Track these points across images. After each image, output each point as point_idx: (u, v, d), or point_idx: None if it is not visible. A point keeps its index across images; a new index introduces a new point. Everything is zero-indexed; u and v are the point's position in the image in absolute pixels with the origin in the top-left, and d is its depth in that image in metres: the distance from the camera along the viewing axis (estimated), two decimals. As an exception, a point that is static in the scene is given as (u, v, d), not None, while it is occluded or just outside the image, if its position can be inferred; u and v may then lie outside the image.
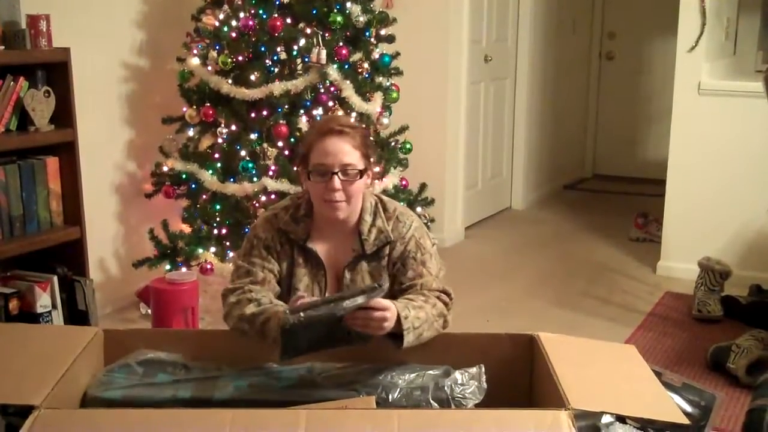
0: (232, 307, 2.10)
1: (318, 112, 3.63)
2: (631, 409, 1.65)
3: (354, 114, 3.69)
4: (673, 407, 1.75)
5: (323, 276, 2.20)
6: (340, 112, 3.62)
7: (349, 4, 3.70)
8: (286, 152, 3.66)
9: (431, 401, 1.80)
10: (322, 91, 3.64)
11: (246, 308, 2.06)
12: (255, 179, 3.63)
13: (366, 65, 3.78)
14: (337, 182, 2.11)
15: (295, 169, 3.32)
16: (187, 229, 3.88)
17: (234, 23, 3.65)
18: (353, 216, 2.21)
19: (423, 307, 2.04)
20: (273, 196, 3.55)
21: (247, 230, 3.66)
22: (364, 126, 3.40)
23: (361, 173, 2.15)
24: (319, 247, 2.21)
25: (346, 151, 2.12)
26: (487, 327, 3.19)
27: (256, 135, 3.68)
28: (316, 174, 2.12)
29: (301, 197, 2.26)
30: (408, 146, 3.99)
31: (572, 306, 4.21)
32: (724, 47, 4.91)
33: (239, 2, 3.68)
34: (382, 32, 3.85)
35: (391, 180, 3.83)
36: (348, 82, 3.64)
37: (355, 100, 3.64)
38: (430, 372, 1.88)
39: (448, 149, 5.19)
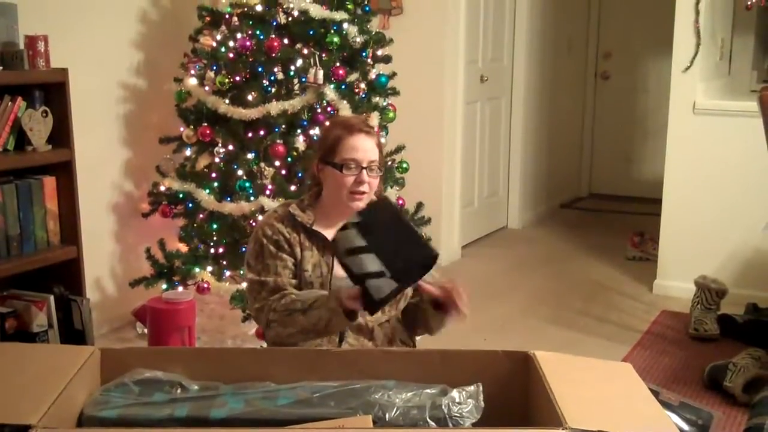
0: (277, 328, 2.26)
1: (315, 132, 3.65)
2: (628, 428, 1.65)
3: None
4: (671, 426, 1.74)
5: (330, 255, 2.32)
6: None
7: (346, 25, 3.72)
8: (283, 172, 3.67)
9: (428, 420, 1.79)
10: (319, 111, 3.66)
11: (297, 322, 2.21)
12: (252, 198, 3.64)
13: (363, 85, 3.79)
14: (365, 176, 2.31)
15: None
16: (183, 248, 3.88)
17: (231, 44, 3.67)
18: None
19: None
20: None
21: (244, 249, 3.67)
22: None
23: (380, 170, 2.37)
24: (325, 231, 2.35)
25: (372, 149, 2.34)
26: (484, 346, 3.18)
27: (253, 155, 3.69)
28: (347, 168, 2.30)
29: (304, 197, 2.43)
30: (405, 166, 4.00)
31: (569, 324, 4.21)
32: (719, 67, 4.94)
33: (236, 23, 3.70)
34: (379, 53, 3.87)
35: (387, 199, 3.84)
36: (345, 102, 3.66)
37: (352, 119, 3.65)
38: (427, 391, 1.87)
39: (444, 168, 5.20)
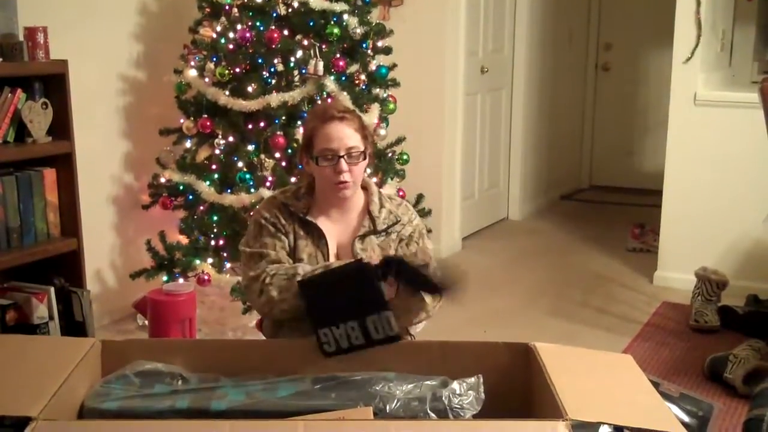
0: (270, 292, 2.20)
1: (315, 123, 3.64)
2: (628, 419, 1.65)
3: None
4: (671, 417, 1.75)
5: (325, 245, 2.31)
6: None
7: (346, 16, 3.71)
8: (283, 163, 3.67)
9: (429, 412, 1.80)
10: (319, 102, 3.65)
11: (294, 284, 2.15)
12: (252, 190, 3.64)
13: (363, 77, 3.78)
14: (344, 165, 2.25)
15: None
16: (184, 240, 3.88)
17: (231, 35, 3.66)
18: (355, 195, 2.36)
19: None
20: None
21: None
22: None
23: (364, 154, 2.29)
24: (320, 221, 2.33)
25: (349, 135, 2.27)
26: (484, 337, 3.18)
27: (254, 146, 3.68)
28: (323, 159, 2.25)
29: (302, 184, 2.40)
30: (405, 157, 4.00)
31: (569, 316, 4.21)
32: (720, 58, 4.93)
33: (236, 14, 3.69)
34: (379, 44, 3.86)
35: (388, 191, 3.84)
36: (345, 93, 3.65)
37: (352, 111, 3.64)
38: (428, 382, 1.88)
39: (444, 160, 5.20)
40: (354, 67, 3.79)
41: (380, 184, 3.81)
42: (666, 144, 4.60)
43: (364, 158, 2.30)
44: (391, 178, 3.92)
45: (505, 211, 6.22)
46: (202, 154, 3.86)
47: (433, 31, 5.03)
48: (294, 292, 2.14)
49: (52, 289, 3.23)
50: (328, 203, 2.34)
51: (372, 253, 2.32)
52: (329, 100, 3.63)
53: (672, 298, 4.43)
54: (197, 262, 3.78)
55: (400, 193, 3.93)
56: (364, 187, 2.40)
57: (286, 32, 3.65)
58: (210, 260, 3.78)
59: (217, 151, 3.75)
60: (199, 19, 3.85)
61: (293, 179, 3.62)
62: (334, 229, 2.36)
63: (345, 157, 2.25)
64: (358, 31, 3.75)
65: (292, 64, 3.66)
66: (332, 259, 2.32)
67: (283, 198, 2.36)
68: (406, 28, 4.60)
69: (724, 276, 4.06)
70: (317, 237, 2.32)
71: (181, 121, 3.84)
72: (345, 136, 2.26)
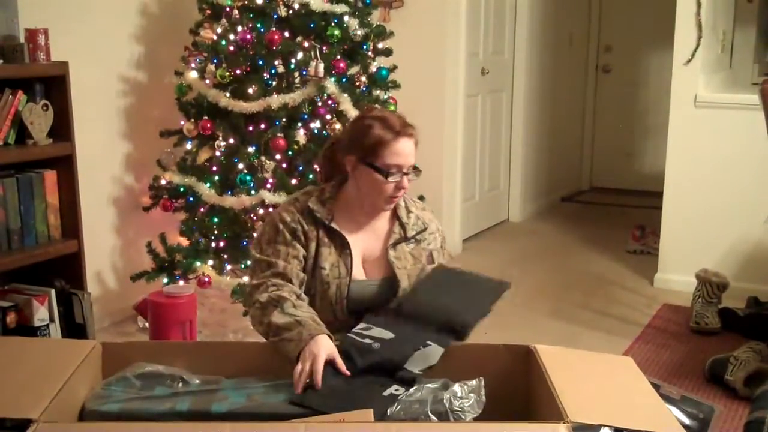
0: (257, 310, 2.15)
1: (316, 125, 3.64)
2: (629, 421, 1.65)
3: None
4: (672, 420, 1.74)
5: (349, 255, 2.27)
6: (338, 126, 3.62)
7: (346, 18, 3.71)
8: (284, 165, 3.67)
9: (430, 414, 1.80)
10: (320, 104, 3.66)
11: (272, 316, 2.09)
12: (253, 192, 3.64)
13: (363, 78, 3.79)
14: (406, 182, 2.24)
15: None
16: (184, 242, 3.88)
17: (232, 37, 3.67)
18: None
19: None
20: (270, 209, 3.55)
21: (245, 243, 3.67)
22: None
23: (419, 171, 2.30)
24: (346, 230, 2.29)
25: (413, 153, 2.26)
26: (485, 340, 3.18)
27: (254, 148, 3.69)
28: (391, 175, 2.23)
29: (325, 186, 2.35)
30: (405, 159, 3.99)
31: (570, 318, 4.21)
32: (720, 60, 4.93)
33: (237, 16, 3.69)
34: (380, 45, 3.87)
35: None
36: (345, 95, 3.65)
37: (353, 113, 3.64)
38: (429, 385, 1.88)
39: (445, 162, 5.20)
40: (354, 69, 3.80)
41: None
42: (666, 146, 4.60)
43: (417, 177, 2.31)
44: (392, 180, 3.91)
45: (506, 212, 6.22)
46: (203, 156, 3.86)
47: (434, 32, 5.03)
48: (267, 320, 2.08)
49: (53, 291, 3.23)
50: (358, 210, 2.30)
51: (406, 261, 2.30)
52: (329, 102, 3.62)
53: (672, 300, 4.43)
54: (198, 264, 3.78)
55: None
56: None
57: (286, 34, 3.66)
58: (210, 262, 3.78)
59: (218, 153, 3.75)
60: (199, 21, 3.85)
61: (294, 181, 3.62)
62: (361, 237, 2.31)
63: (408, 174, 2.25)
64: (359, 32, 3.75)
65: (292, 66, 3.66)
66: (356, 269, 2.28)
67: (309, 202, 2.29)
68: (407, 30, 4.60)
69: (724, 278, 4.06)
70: (341, 246, 2.27)
71: (182, 122, 3.84)
72: (411, 153, 2.25)
